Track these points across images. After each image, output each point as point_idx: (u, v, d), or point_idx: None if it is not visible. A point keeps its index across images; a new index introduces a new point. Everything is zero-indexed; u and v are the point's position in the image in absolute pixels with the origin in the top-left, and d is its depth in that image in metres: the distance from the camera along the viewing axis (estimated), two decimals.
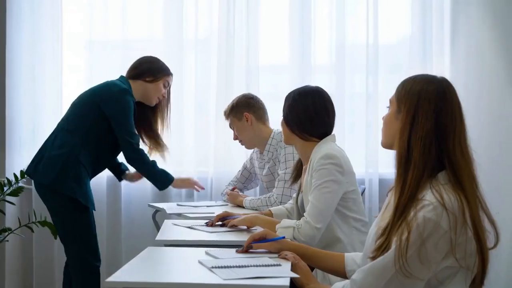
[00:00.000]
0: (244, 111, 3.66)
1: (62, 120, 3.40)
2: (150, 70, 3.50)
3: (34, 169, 3.29)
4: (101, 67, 4.32)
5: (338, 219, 2.62)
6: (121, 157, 3.55)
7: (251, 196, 3.75)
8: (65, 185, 3.19)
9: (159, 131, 3.61)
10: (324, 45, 4.32)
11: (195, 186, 3.74)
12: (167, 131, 3.66)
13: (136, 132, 3.40)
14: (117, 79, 3.48)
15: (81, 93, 3.46)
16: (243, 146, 3.80)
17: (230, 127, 3.75)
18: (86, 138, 3.28)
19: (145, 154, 3.45)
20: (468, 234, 1.58)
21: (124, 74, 3.52)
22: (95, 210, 3.35)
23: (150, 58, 3.58)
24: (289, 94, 2.80)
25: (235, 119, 3.69)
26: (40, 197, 3.33)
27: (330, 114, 2.75)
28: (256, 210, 3.40)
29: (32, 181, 3.44)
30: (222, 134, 4.23)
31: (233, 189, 3.79)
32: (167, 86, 3.57)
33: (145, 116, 3.57)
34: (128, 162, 3.45)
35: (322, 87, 2.81)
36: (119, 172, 3.71)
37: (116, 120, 3.31)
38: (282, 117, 2.80)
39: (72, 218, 3.23)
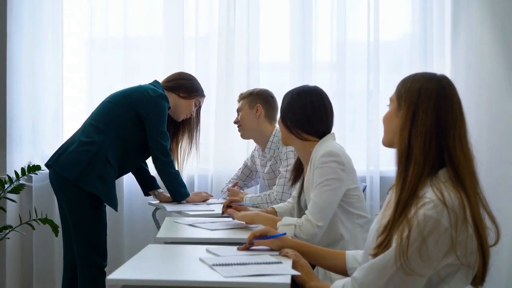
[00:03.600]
0: (259, 103, 3.68)
1: (91, 116, 3.41)
2: (186, 86, 3.57)
3: (56, 161, 3.27)
4: (101, 65, 4.33)
5: (342, 216, 2.61)
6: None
7: (251, 193, 3.75)
8: (88, 181, 3.19)
9: (184, 150, 3.69)
10: (325, 42, 4.32)
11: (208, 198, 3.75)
12: (196, 151, 3.73)
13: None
14: (151, 84, 3.52)
15: (112, 93, 3.48)
16: (240, 133, 3.78)
17: (237, 110, 3.76)
18: (115, 137, 3.30)
19: (173, 161, 3.49)
20: (469, 231, 1.58)
21: (158, 80, 3.58)
22: (117, 210, 3.37)
23: (188, 75, 3.66)
24: (287, 93, 2.79)
25: (246, 105, 3.70)
26: (55, 189, 3.31)
27: (329, 114, 2.74)
28: (256, 207, 3.41)
29: (31, 176, 3.42)
30: (222, 131, 4.23)
31: (234, 185, 3.79)
32: (197, 105, 3.65)
33: (172, 132, 3.62)
34: (155, 163, 3.47)
35: (320, 87, 2.80)
36: (149, 186, 3.72)
37: (151, 122, 3.35)
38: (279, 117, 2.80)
39: (87, 215, 3.22)
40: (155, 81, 3.57)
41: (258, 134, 3.70)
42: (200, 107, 3.71)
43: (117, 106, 3.38)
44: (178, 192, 3.54)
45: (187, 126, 3.70)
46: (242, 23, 4.27)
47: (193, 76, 3.68)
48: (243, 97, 3.74)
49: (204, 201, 3.66)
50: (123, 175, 3.59)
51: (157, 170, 3.52)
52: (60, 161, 3.25)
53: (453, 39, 4.22)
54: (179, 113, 3.59)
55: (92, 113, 3.44)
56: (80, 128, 3.39)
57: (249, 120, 3.69)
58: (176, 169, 3.55)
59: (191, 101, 3.59)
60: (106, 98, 3.46)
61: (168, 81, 3.59)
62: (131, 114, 3.35)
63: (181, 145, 3.71)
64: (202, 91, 3.66)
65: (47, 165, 3.35)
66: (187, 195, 3.57)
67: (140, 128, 3.38)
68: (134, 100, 3.37)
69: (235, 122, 3.76)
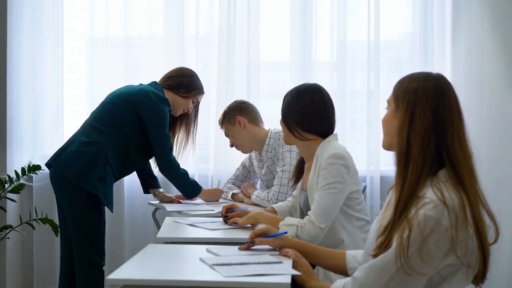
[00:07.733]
0: (236, 115, 3.69)
1: (91, 116, 3.40)
2: (186, 85, 3.54)
3: (56, 160, 3.28)
4: (102, 64, 4.34)
5: (342, 218, 2.61)
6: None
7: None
8: (88, 181, 3.19)
9: (181, 143, 3.68)
10: (325, 42, 4.32)
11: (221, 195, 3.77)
12: (192, 145, 3.72)
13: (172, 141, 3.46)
14: (150, 85, 3.49)
15: (112, 92, 3.47)
16: (240, 151, 3.81)
17: (226, 135, 3.79)
18: (115, 138, 3.29)
19: (178, 164, 3.49)
20: (469, 231, 1.58)
21: (156, 80, 3.55)
22: (112, 211, 3.37)
23: (189, 72, 3.62)
24: (287, 93, 2.77)
25: (228, 125, 3.72)
26: (55, 188, 3.31)
27: (330, 111, 2.72)
28: (257, 205, 3.45)
29: (31, 176, 3.42)
30: (222, 131, 4.22)
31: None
32: (195, 102, 3.63)
33: (169, 125, 3.60)
34: (161, 170, 3.48)
35: (320, 84, 2.80)
36: (150, 184, 3.73)
37: (153, 126, 3.35)
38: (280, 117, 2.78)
39: (86, 214, 3.23)
40: (154, 83, 3.52)
41: (253, 142, 3.70)
42: (198, 103, 3.68)
43: (117, 107, 3.36)
44: (187, 192, 3.57)
45: (184, 120, 3.68)
46: (243, 23, 4.27)
47: (193, 72, 3.64)
48: (221, 121, 3.76)
49: (218, 197, 3.70)
50: (125, 176, 3.58)
51: (163, 174, 3.52)
52: (60, 161, 3.26)
53: (453, 39, 4.22)
54: (177, 109, 3.56)
55: (92, 113, 3.43)
56: (80, 128, 3.39)
57: (239, 135, 3.70)
58: (182, 168, 3.53)
59: (190, 99, 3.58)
60: (106, 98, 3.45)
61: (168, 79, 3.55)
62: (132, 115, 3.34)
63: (177, 138, 3.69)
64: (202, 89, 3.62)
65: (47, 164, 3.35)
66: (199, 190, 3.58)
67: (141, 129, 3.36)
68: (135, 102, 3.35)
69: (231, 146, 3.78)
